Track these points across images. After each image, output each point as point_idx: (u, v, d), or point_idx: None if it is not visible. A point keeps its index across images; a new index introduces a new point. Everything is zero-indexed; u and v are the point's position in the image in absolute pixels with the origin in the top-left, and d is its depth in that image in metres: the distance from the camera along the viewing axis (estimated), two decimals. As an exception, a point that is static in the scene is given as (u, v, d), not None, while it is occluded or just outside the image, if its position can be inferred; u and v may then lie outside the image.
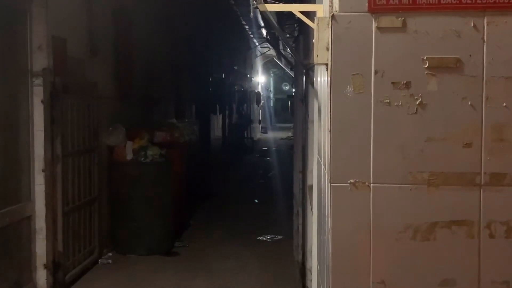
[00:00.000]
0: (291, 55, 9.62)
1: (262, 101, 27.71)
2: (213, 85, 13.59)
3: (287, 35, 8.10)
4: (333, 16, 2.04)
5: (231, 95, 18.10)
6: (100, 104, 6.19)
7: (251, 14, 3.18)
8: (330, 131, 2.07)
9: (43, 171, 4.95)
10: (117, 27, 6.90)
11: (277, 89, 36.22)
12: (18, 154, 4.82)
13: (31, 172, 4.93)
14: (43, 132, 4.93)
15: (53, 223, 5.09)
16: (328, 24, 2.07)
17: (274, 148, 19.77)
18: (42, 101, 4.92)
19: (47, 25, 4.95)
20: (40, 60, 4.92)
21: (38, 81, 4.91)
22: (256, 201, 10.10)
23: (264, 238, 7.42)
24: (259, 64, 26.74)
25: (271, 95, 35.93)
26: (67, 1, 5.52)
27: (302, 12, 2.60)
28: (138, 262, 6.28)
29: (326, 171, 2.24)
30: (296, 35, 7.23)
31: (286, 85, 33.81)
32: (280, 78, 35.04)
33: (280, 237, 7.44)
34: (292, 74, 16.25)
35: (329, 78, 2.08)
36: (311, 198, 3.92)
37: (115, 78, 6.86)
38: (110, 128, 6.49)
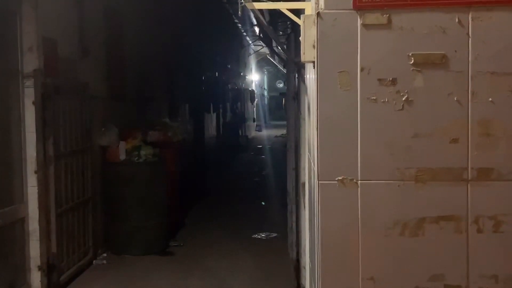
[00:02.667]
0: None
1: (256, 99, 27.71)
2: (207, 83, 13.56)
3: (280, 33, 8.08)
4: (318, 14, 2.05)
5: (225, 93, 18.07)
6: (92, 104, 6.17)
7: (239, 12, 3.17)
8: (317, 128, 2.08)
9: (35, 172, 4.93)
10: (109, 27, 6.88)
11: (271, 87, 36.17)
12: (10, 156, 4.81)
13: (23, 173, 4.91)
14: (35, 133, 4.91)
15: (46, 224, 5.08)
16: (314, 22, 2.07)
17: (268, 146, 19.76)
18: (33, 103, 4.89)
19: (37, 26, 4.92)
20: (30, 61, 4.89)
21: (29, 82, 4.88)
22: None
23: (259, 236, 7.43)
24: (252, 62, 26.68)
25: (265, 93, 35.89)
26: (57, 1, 5.49)
27: (292, 10, 2.60)
28: (133, 262, 6.28)
29: (314, 169, 2.24)
30: (288, 32, 7.21)
31: (280, 83, 33.75)
32: (273, 76, 35.00)
33: (275, 234, 7.45)
34: (285, 71, 16.23)
35: (316, 76, 2.08)
36: (304, 195, 3.93)
37: (107, 78, 6.84)
38: (103, 128, 6.47)
